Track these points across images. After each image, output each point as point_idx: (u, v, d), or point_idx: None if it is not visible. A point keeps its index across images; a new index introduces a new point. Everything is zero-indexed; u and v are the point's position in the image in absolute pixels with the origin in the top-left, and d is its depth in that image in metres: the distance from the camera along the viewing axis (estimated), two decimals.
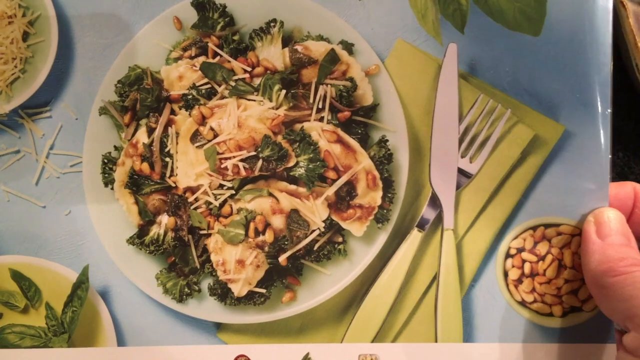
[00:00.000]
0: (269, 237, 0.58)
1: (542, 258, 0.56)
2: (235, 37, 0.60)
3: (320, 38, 0.59)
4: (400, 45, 0.58)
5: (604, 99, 0.54)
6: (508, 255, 0.57)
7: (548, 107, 0.56)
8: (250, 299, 0.58)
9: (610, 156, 0.54)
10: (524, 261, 0.57)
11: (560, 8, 0.54)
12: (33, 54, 0.62)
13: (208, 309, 0.59)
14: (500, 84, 0.56)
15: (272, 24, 0.59)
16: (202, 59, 0.60)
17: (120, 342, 0.59)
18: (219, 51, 0.60)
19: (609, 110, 0.54)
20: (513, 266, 0.57)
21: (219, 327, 0.60)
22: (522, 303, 0.57)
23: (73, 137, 0.61)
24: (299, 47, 0.59)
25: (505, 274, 0.57)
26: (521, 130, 0.56)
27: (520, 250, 0.57)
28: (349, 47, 0.59)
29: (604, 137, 0.54)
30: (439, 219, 0.57)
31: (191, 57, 0.60)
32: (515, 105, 0.56)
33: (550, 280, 0.56)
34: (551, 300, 0.56)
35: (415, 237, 0.57)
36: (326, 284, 0.59)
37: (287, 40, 0.60)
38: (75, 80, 0.61)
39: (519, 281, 0.57)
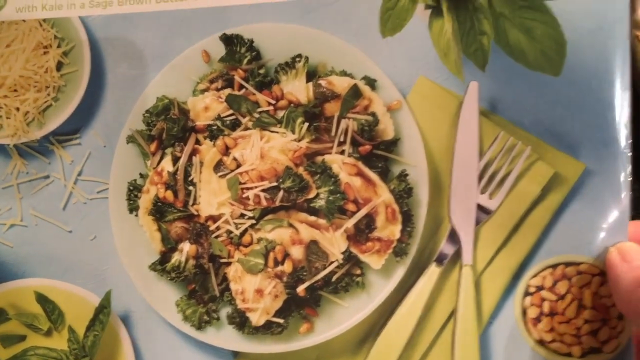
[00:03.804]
0: (287, 267, 0.61)
1: (562, 297, 0.58)
2: (261, 71, 0.64)
3: (343, 73, 0.63)
4: (422, 82, 0.62)
5: (623, 137, 0.57)
6: (527, 293, 0.59)
7: (568, 145, 0.59)
8: (267, 329, 0.61)
9: (630, 193, 0.57)
10: (543, 300, 0.59)
11: (580, 50, 0.58)
12: (66, 83, 0.67)
13: (226, 337, 0.63)
14: (520, 121, 0.59)
15: (297, 59, 0.63)
16: (227, 91, 0.65)
17: None
18: (244, 84, 0.64)
19: (629, 149, 0.57)
20: (532, 304, 0.59)
21: (236, 355, 0.63)
22: (541, 342, 0.59)
23: (101, 164, 0.66)
24: (322, 82, 0.63)
25: (524, 312, 0.59)
26: (541, 168, 0.59)
27: (539, 288, 0.59)
28: (371, 82, 0.63)
29: (624, 175, 0.57)
30: (458, 254, 0.60)
31: (217, 89, 0.65)
32: (536, 143, 0.59)
33: (570, 320, 0.58)
34: (570, 340, 0.58)
35: (433, 271, 0.60)
36: (343, 316, 0.62)
37: (312, 75, 0.64)
38: (105, 108, 0.66)
39: (538, 320, 0.59)
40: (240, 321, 0.62)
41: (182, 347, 0.63)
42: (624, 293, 0.54)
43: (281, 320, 0.61)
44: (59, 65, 0.68)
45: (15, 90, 0.67)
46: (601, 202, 0.58)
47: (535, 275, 0.59)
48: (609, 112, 0.57)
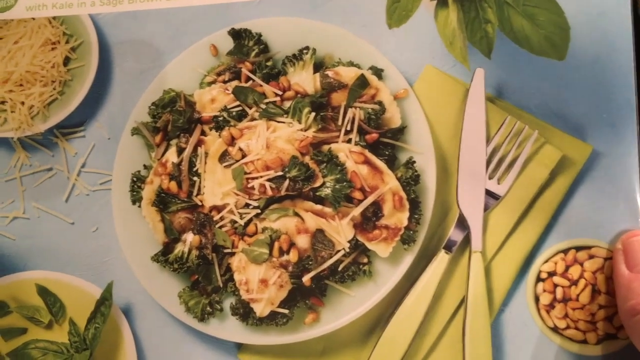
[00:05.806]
0: (293, 256, 0.62)
1: (575, 283, 0.59)
2: (269, 63, 0.67)
3: (350, 64, 0.65)
4: (429, 71, 0.64)
5: (629, 119, 0.59)
6: (539, 279, 0.60)
7: (575, 128, 0.60)
8: (272, 320, 0.62)
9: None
10: (555, 285, 0.59)
11: (583, 35, 0.61)
12: (72, 78, 0.70)
13: (229, 328, 0.63)
14: (527, 106, 0.61)
15: (304, 51, 0.66)
16: (234, 83, 0.67)
17: None
18: (252, 76, 0.66)
19: (635, 129, 0.59)
20: (544, 291, 0.60)
21: (240, 347, 0.63)
22: (555, 329, 0.59)
23: (104, 156, 0.67)
24: (329, 73, 0.65)
25: (537, 299, 0.60)
26: (549, 151, 0.61)
27: (551, 274, 0.60)
28: (378, 72, 0.65)
29: (631, 156, 0.58)
30: (467, 240, 0.61)
31: (224, 82, 0.67)
32: (543, 127, 0.61)
33: (584, 306, 0.58)
34: (585, 327, 0.58)
35: (442, 258, 0.61)
36: (350, 305, 0.62)
37: (319, 66, 0.66)
38: (111, 102, 0.68)
39: (551, 306, 0.59)
40: (244, 312, 0.62)
41: (184, 339, 0.64)
42: (620, 311, 0.55)
43: (286, 311, 0.62)
44: (66, 60, 0.70)
45: (21, 85, 0.70)
46: (610, 184, 0.59)
47: (546, 261, 0.60)
48: (614, 94, 0.59)
